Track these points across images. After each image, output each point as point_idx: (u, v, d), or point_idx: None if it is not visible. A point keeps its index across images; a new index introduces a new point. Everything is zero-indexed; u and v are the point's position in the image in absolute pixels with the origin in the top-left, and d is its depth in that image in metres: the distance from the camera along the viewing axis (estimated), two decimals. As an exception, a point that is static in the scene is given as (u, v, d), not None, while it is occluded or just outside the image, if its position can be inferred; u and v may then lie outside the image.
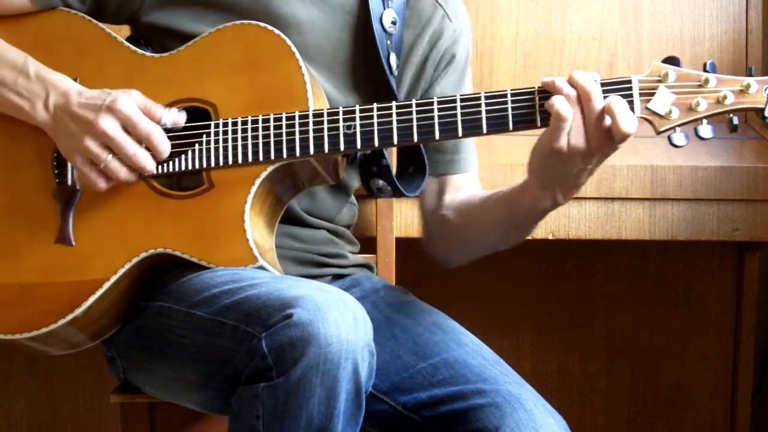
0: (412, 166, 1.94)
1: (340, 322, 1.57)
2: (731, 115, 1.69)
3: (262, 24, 1.81)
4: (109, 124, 1.77)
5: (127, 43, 1.88)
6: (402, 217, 2.39)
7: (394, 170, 1.94)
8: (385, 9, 1.92)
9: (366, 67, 1.92)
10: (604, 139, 1.66)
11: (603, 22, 2.69)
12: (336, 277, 2.02)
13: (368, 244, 2.33)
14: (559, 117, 1.66)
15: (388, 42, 1.91)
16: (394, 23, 1.92)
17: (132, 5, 1.89)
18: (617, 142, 1.66)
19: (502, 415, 1.72)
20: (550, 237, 2.38)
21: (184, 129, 1.81)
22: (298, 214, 1.95)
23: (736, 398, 2.78)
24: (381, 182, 1.90)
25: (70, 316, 1.78)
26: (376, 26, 1.90)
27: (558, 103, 1.66)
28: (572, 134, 1.67)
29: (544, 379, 2.83)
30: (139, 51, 1.87)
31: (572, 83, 1.68)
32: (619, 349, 2.83)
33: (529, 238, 2.35)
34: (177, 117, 1.80)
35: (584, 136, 1.67)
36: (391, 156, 1.97)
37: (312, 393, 1.56)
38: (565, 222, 2.37)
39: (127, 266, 1.78)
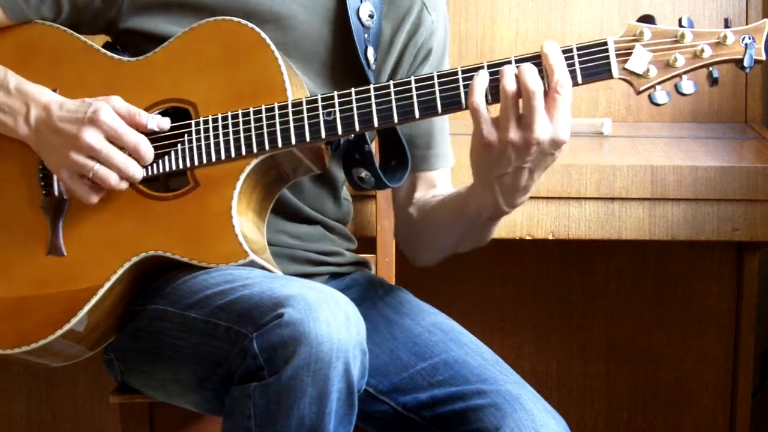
0: (394, 159, 1.94)
1: (331, 321, 1.56)
2: (711, 69, 1.69)
3: (235, 19, 1.82)
4: (93, 137, 1.77)
5: (103, 50, 1.88)
6: (402, 217, 2.39)
7: (377, 164, 1.94)
8: (362, 2, 1.91)
9: (344, 62, 1.92)
10: (532, 132, 1.66)
11: (603, 22, 2.69)
12: (333, 276, 2.02)
13: (368, 244, 2.33)
14: (473, 110, 1.68)
15: (366, 35, 1.91)
16: (371, 16, 1.92)
17: (108, 14, 1.89)
18: (551, 144, 1.67)
19: (502, 415, 1.72)
20: (550, 237, 2.38)
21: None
22: (293, 209, 1.95)
23: (736, 398, 2.77)
24: (364, 172, 1.90)
25: (66, 326, 1.78)
26: (353, 20, 1.89)
27: (474, 94, 1.68)
28: (498, 126, 1.67)
29: (544, 379, 2.82)
30: (116, 57, 1.87)
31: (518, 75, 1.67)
32: (619, 349, 2.83)
33: (529, 237, 2.37)
34: (161, 122, 1.80)
35: (511, 126, 1.66)
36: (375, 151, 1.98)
37: (303, 393, 1.55)
38: (565, 222, 2.37)
39: (120, 271, 1.78)
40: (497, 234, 2.35)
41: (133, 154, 1.78)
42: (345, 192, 2.10)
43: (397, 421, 1.82)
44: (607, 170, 2.35)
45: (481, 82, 1.69)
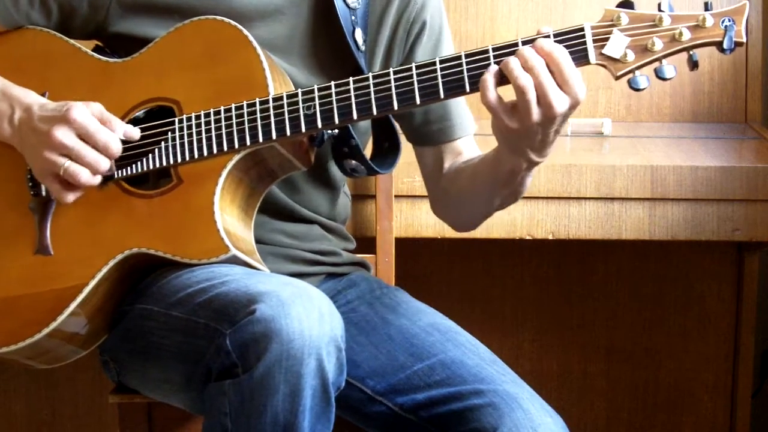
0: (387, 141, 1.94)
1: (303, 318, 1.56)
2: (691, 52, 1.67)
3: (218, 17, 1.83)
4: (64, 135, 1.77)
5: (92, 53, 1.89)
6: (402, 217, 2.39)
7: (370, 149, 1.94)
8: None
9: (333, 48, 1.92)
10: (552, 109, 1.65)
11: (603, 22, 2.68)
12: (330, 276, 2.02)
13: (368, 244, 2.33)
14: (489, 107, 1.67)
15: (353, 17, 1.91)
16: None
17: (96, 18, 1.90)
18: (571, 104, 1.66)
19: (499, 415, 1.72)
20: (550, 237, 2.38)
21: (149, 129, 1.82)
22: (290, 209, 1.95)
23: (736, 398, 2.78)
24: (354, 162, 1.90)
25: (53, 325, 1.78)
26: (338, 2, 1.89)
27: (487, 93, 1.67)
28: (519, 114, 1.67)
29: (544, 379, 2.82)
30: (104, 58, 1.88)
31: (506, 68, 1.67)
32: (619, 349, 2.83)
33: (529, 237, 2.37)
34: (131, 132, 1.81)
35: (533, 112, 1.66)
36: (367, 142, 1.98)
37: (276, 390, 1.56)
38: (565, 222, 2.37)
39: (105, 269, 1.79)
40: (497, 234, 2.36)
41: (104, 152, 1.79)
42: (345, 187, 2.10)
43: (394, 421, 1.82)
44: (607, 170, 2.35)
45: (490, 78, 1.68)
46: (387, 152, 1.94)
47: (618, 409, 2.85)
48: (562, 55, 1.66)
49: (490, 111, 1.69)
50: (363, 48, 1.92)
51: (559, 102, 1.65)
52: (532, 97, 1.65)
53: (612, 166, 2.35)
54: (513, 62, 1.66)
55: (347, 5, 1.90)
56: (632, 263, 2.80)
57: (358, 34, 1.91)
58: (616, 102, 2.69)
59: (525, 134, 1.69)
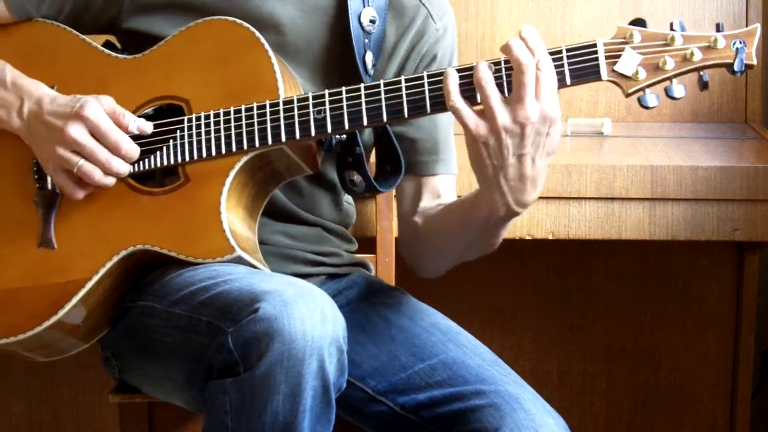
0: (389, 164, 1.94)
1: (305, 318, 1.56)
2: (701, 73, 1.68)
3: (230, 18, 1.83)
4: (77, 132, 1.77)
5: (101, 48, 1.89)
6: (402, 217, 2.39)
7: (372, 172, 1.93)
8: (364, 7, 1.91)
9: (341, 66, 1.92)
10: (524, 110, 1.66)
11: (603, 22, 2.69)
12: (331, 277, 2.02)
13: (368, 244, 2.33)
14: (454, 110, 1.68)
15: (366, 41, 1.91)
16: (373, 22, 1.92)
17: (109, 13, 1.90)
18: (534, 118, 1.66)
19: (501, 415, 1.72)
20: (550, 237, 2.38)
21: (159, 126, 1.82)
22: (292, 211, 1.95)
23: (736, 398, 2.78)
24: (356, 175, 1.90)
25: (54, 318, 1.79)
26: (353, 24, 1.89)
27: (452, 96, 1.69)
28: (487, 116, 1.67)
29: (544, 379, 2.83)
30: (113, 54, 1.88)
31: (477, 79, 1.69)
32: (619, 349, 2.83)
33: (529, 237, 2.37)
34: (143, 126, 1.81)
35: (498, 113, 1.66)
36: (370, 156, 1.98)
37: (276, 389, 1.56)
38: (565, 222, 2.37)
39: (108, 265, 1.79)
40: (497, 233, 2.36)
41: (114, 152, 1.79)
42: (348, 196, 2.10)
43: (395, 421, 1.82)
44: (607, 170, 2.35)
45: (454, 81, 1.69)
46: (389, 175, 1.94)
47: (618, 409, 2.85)
48: (544, 66, 1.66)
49: (456, 115, 1.69)
50: (371, 72, 1.92)
51: (530, 105, 1.65)
52: (490, 92, 1.66)
53: (612, 166, 2.35)
54: (482, 64, 1.68)
55: (362, 28, 1.90)
56: (632, 263, 2.80)
57: (368, 58, 1.91)
58: (616, 102, 2.69)
59: (496, 149, 1.68)
